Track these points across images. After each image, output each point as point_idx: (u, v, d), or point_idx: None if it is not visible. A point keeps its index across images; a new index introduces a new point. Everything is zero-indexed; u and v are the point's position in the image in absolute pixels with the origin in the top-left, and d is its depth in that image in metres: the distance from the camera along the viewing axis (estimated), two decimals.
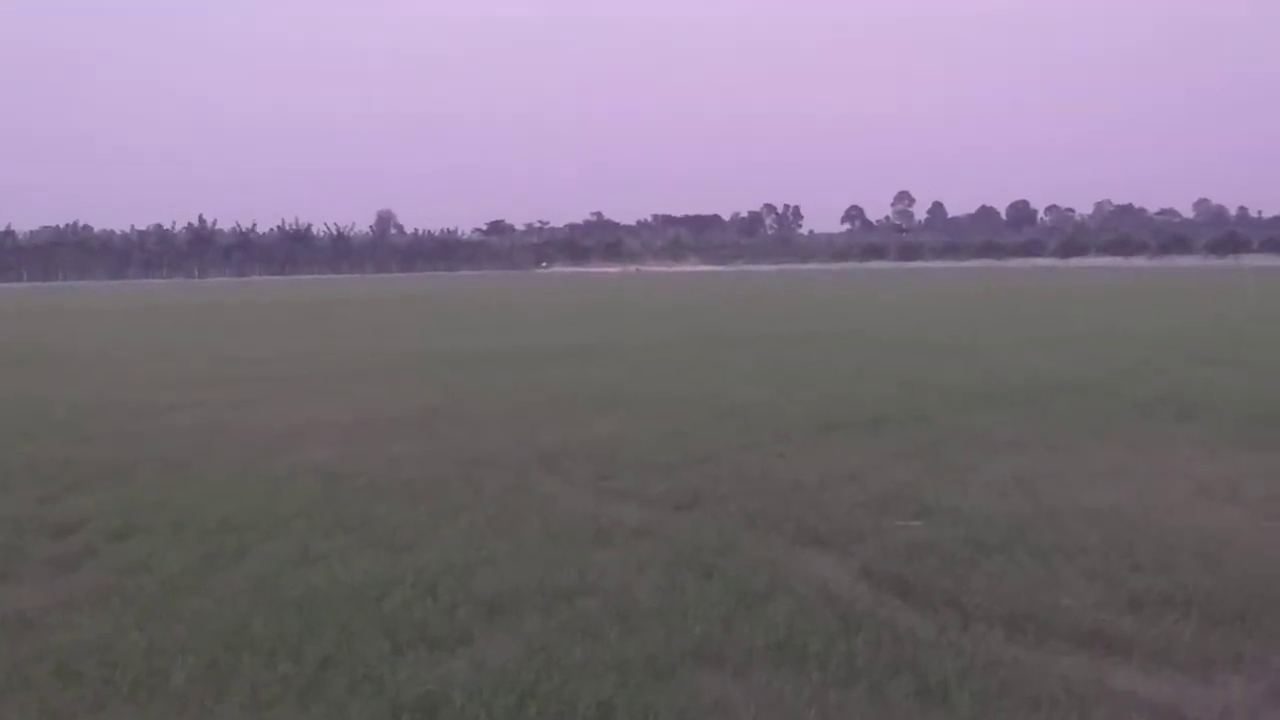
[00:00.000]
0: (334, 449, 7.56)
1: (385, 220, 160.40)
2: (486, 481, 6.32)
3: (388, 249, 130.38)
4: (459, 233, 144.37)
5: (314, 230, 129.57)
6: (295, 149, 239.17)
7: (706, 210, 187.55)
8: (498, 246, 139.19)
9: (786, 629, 3.94)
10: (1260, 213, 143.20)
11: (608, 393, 10.32)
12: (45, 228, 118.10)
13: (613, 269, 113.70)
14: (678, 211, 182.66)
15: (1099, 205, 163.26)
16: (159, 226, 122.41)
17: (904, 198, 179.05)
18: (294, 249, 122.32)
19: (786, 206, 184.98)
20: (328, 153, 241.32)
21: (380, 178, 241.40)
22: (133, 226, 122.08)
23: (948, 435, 7.69)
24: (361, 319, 26.22)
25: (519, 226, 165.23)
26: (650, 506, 5.72)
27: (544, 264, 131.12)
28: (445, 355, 14.86)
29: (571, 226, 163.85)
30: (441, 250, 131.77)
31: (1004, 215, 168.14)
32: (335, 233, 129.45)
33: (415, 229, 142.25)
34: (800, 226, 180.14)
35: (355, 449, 7.54)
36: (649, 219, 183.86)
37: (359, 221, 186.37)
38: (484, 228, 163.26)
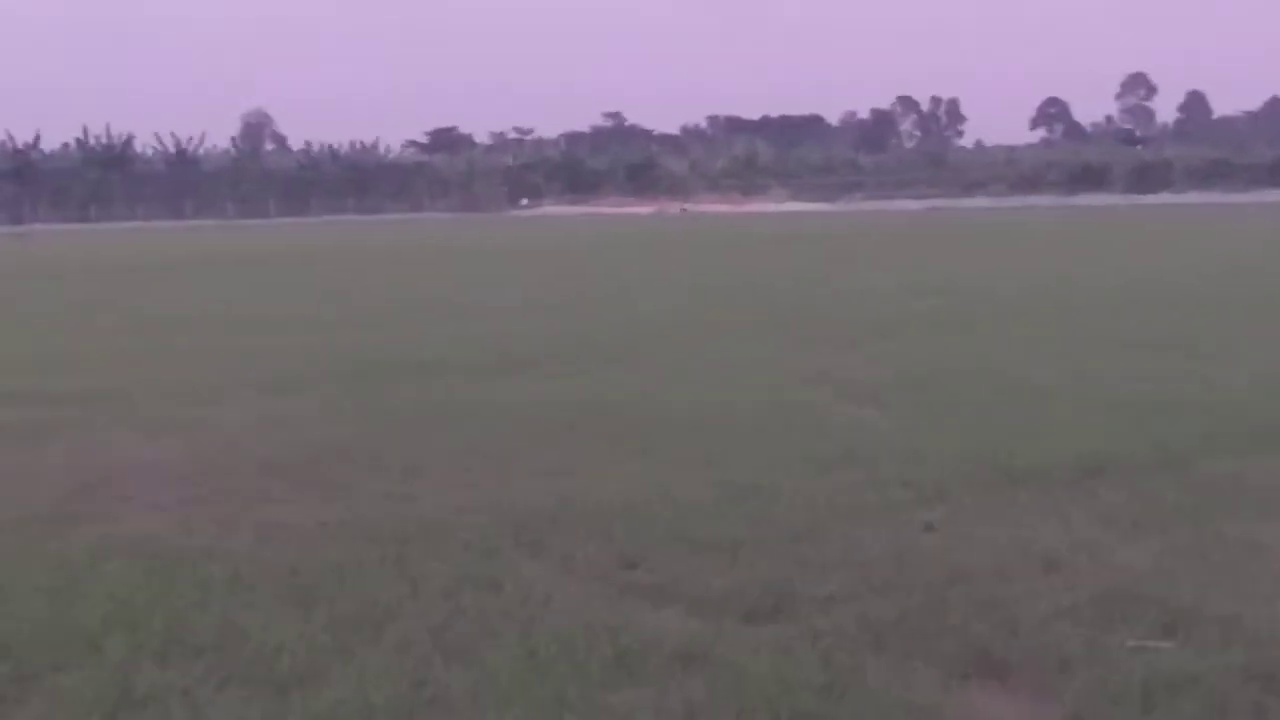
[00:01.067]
0: (170, 513, 7.62)
1: (257, 130, 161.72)
2: (429, 569, 6.35)
3: (261, 177, 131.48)
4: (383, 149, 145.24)
5: (137, 148, 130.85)
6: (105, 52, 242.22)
7: (798, 108, 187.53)
8: (447, 172, 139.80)
9: None
10: None
11: (631, 419, 10.33)
12: None
13: (643, 208, 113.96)
14: (749, 111, 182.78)
15: None
16: None
17: (1137, 85, 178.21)
18: (103, 180, 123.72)
19: (936, 101, 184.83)
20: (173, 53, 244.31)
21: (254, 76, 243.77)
22: None
23: (1212, 490, 7.64)
24: (219, 296, 26.42)
25: (482, 139, 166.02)
26: (705, 613, 5.71)
27: (525, 200, 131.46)
28: (358, 358, 14.96)
29: (570, 138, 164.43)
30: (353, 179, 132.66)
31: None
32: (174, 151, 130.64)
33: (308, 143, 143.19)
34: (960, 134, 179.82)
35: (206, 513, 7.59)
36: (701, 123, 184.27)
37: (214, 134, 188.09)
38: (424, 140, 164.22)
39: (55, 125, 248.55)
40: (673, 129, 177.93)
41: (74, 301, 25.74)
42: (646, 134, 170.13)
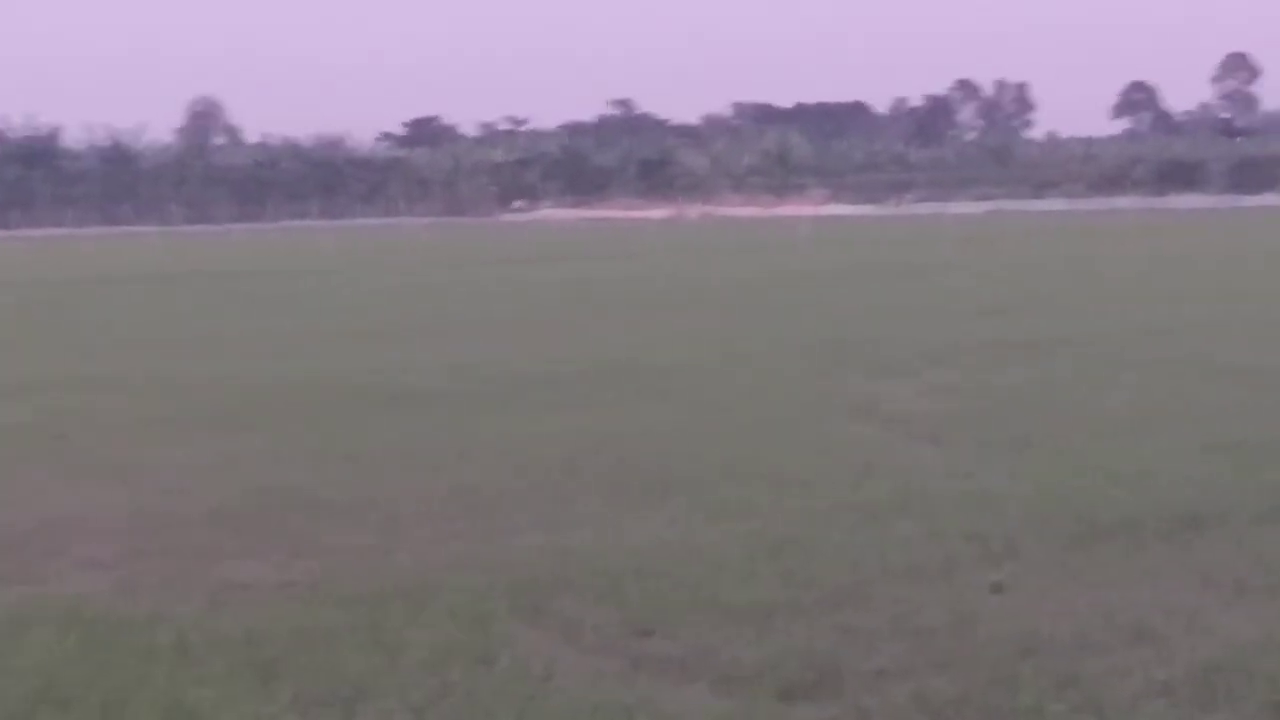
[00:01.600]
0: (108, 571, 7.64)
1: (205, 119, 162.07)
2: (410, 638, 6.35)
3: (210, 175, 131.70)
4: (352, 143, 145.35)
5: (65, 141, 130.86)
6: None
7: (839, 94, 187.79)
8: (427, 169, 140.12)
9: None
10: None
11: (647, 459, 10.35)
12: None
13: (657, 212, 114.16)
14: (782, 98, 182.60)
15: None
16: None
17: (1237, 67, 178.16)
18: (24, 178, 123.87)
19: (1001, 86, 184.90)
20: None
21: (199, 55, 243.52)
22: None
23: None
24: (163, 315, 26.46)
25: (469, 130, 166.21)
26: (734, 691, 5.70)
27: (518, 202, 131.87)
28: (328, 386, 14.99)
29: (573, 129, 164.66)
30: (318, 178, 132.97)
31: None
32: (108, 145, 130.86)
33: (264, 136, 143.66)
34: (1029, 125, 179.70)
35: (150, 571, 7.60)
36: (725, 112, 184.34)
37: (156, 124, 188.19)
38: (401, 133, 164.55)
39: None
40: (692, 118, 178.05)
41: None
42: (661, 125, 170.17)
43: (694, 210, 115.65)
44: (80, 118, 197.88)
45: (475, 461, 10.50)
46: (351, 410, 13.25)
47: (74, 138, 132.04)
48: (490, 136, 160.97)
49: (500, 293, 30.83)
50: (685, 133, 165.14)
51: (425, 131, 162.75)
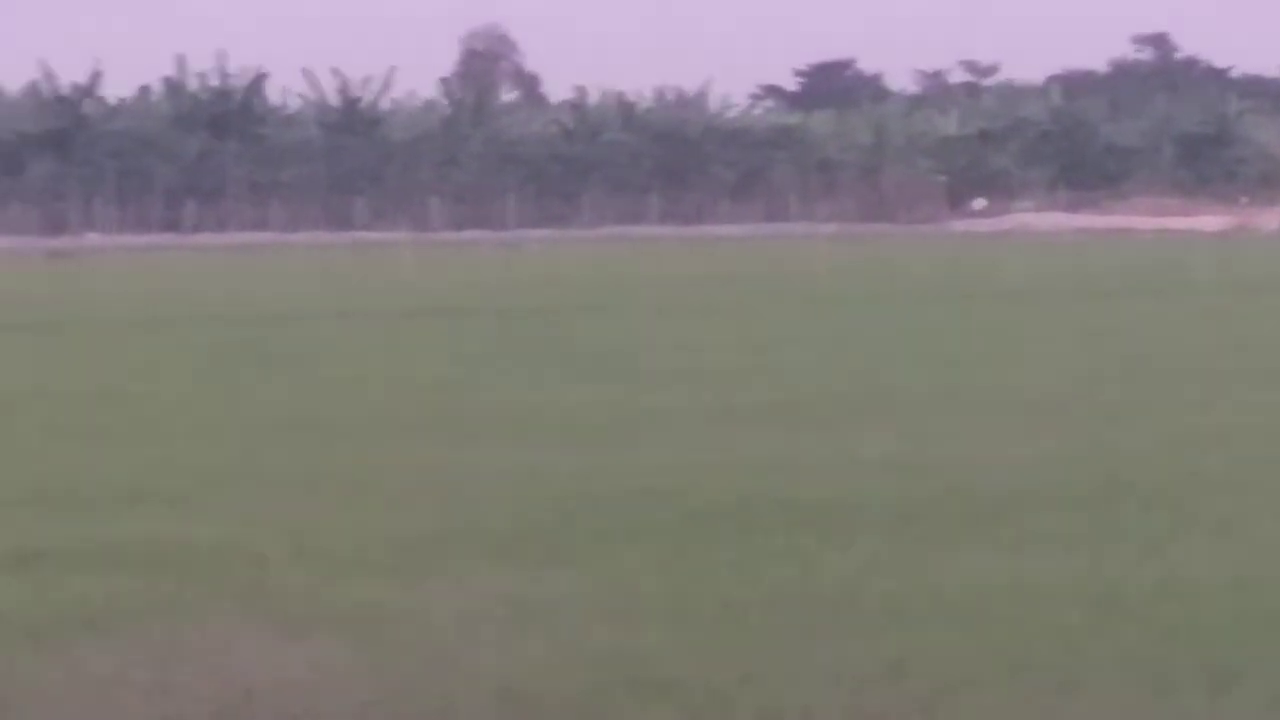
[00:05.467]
0: None
1: (486, 64, 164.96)
2: None
3: (488, 152, 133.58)
4: (715, 104, 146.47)
5: (269, 97, 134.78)
6: None
7: None
8: (832, 146, 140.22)
9: None
10: None
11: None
12: None
13: (1206, 219, 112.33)
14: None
15: None
16: None
17: None
18: (208, 153, 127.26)
19: None
20: None
21: None
22: None
23: None
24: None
25: (897, 84, 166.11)
26: None
27: (979, 201, 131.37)
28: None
29: (1070, 82, 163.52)
30: (659, 157, 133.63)
31: None
32: (336, 104, 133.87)
33: (580, 91, 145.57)
34: None
35: None
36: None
37: (415, 73, 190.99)
38: (792, 88, 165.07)
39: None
40: (1266, 67, 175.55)
41: None
42: (1217, 77, 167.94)
43: (1270, 218, 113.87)
44: (294, 61, 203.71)
45: None
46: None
47: (284, 90, 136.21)
48: (934, 94, 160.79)
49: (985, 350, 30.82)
50: (1253, 89, 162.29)
51: (828, 86, 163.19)
